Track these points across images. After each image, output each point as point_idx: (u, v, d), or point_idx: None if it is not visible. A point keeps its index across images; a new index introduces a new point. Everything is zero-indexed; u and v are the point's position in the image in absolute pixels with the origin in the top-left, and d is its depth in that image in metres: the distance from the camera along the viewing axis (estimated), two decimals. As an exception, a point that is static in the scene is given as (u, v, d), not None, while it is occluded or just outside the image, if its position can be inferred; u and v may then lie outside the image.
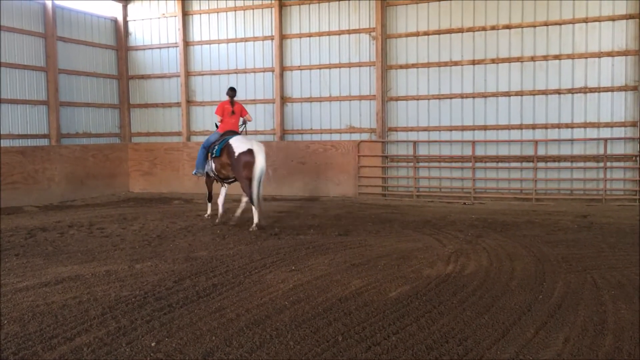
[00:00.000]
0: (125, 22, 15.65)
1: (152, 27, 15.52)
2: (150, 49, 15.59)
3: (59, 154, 13.33)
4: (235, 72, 14.76)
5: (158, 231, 8.88)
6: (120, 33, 15.59)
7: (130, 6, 15.62)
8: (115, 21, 15.57)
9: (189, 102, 15.25)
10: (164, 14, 15.32)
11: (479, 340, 4.03)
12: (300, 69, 14.13)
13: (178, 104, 15.36)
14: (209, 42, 14.97)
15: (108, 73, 15.43)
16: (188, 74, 15.20)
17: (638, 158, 11.49)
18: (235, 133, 10.03)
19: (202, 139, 15.11)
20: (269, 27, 14.33)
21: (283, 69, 14.25)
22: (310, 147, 13.85)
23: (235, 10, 14.62)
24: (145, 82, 15.76)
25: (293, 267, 6.28)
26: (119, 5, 15.45)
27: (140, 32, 15.65)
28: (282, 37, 14.17)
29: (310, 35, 13.97)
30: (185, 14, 15.09)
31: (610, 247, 7.19)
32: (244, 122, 10.76)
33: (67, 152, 13.60)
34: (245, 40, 14.60)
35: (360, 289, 5.38)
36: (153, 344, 4.01)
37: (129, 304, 4.95)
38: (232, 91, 10.38)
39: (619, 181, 11.76)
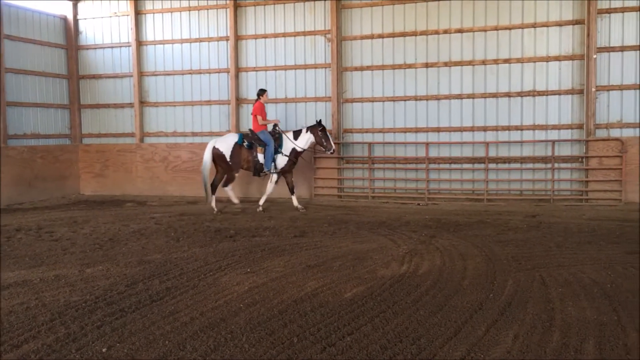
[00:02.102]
0: (76, 20, 15.26)
1: (104, 26, 15.19)
2: (101, 48, 15.26)
3: (5, 156, 12.88)
4: (190, 73, 14.60)
5: (110, 234, 8.70)
6: (70, 32, 15.19)
7: (80, 4, 15.24)
8: (65, 19, 15.17)
9: (142, 102, 14.99)
10: (115, 13, 15.02)
11: (431, 339, 4.10)
12: (256, 70, 14.08)
13: (131, 105, 15.07)
14: (163, 42, 14.75)
15: (57, 72, 15.00)
16: (141, 74, 14.94)
17: (584, 159, 11.90)
18: (250, 131, 11.65)
19: (156, 141, 14.94)
20: (223, 28, 14.23)
21: (238, 70, 14.17)
22: (266, 148, 13.78)
23: (189, 10, 14.45)
24: (97, 82, 15.41)
25: (248, 269, 6.25)
26: (69, 4, 15.05)
27: (91, 31, 15.29)
28: (237, 38, 14.09)
29: (265, 36, 13.93)
30: (138, 13, 14.82)
31: (557, 246, 7.41)
32: (274, 126, 11.74)
33: (15, 153, 13.17)
34: (200, 40, 14.46)
35: (316, 290, 5.40)
36: (104, 350, 3.93)
37: (79, 309, 4.84)
38: (258, 90, 11.93)
39: (566, 182, 12.14)
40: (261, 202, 11.62)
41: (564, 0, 11.89)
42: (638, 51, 11.55)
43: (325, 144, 11.50)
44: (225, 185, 11.55)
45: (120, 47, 15.08)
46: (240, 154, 11.45)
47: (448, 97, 12.72)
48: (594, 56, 11.61)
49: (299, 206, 11.52)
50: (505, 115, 12.39)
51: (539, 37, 12.09)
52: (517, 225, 9.15)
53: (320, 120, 11.67)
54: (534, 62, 12.14)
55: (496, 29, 12.29)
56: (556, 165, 12.00)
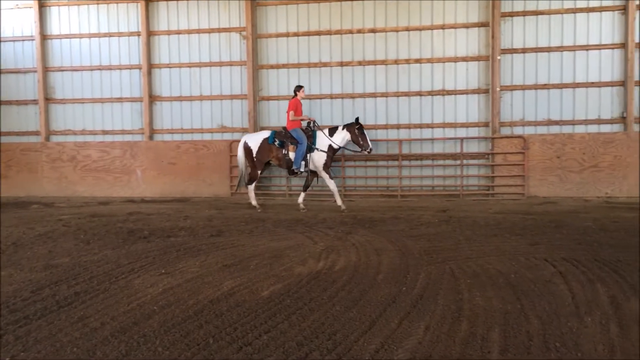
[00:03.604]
0: (-28, 11, 14.36)
1: (5, 19, 14.34)
2: (2, 41, 14.40)
3: None
4: (99, 69, 14.07)
5: (13, 238, 8.23)
6: (-34, 23, 14.27)
7: (-23, -6, 14.35)
8: (-40, 10, 14.23)
9: (48, 99, 14.29)
10: (17, 5, 14.23)
11: (347, 334, 4.15)
12: (170, 67, 13.77)
13: (35, 102, 14.34)
14: (70, 36, 14.13)
15: (-48, 67, 14.06)
16: (46, 70, 14.24)
17: (490, 156, 12.48)
18: (284, 128, 11.39)
19: (63, 139, 14.28)
20: (135, 23, 13.82)
21: (151, 66, 13.80)
22: (181, 147, 13.54)
23: (98, 4, 13.93)
24: (-3, 78, 14.56)
25: (163, 271, 6.10)
26: (-35, -7, 14.14)
27: (-11, 23, 14.42)
28: (150, 34, 13.72)
29: (179, 32, 13.65)
30: (42, 6, 14.13)
31: (466, 239, 7.70)
32: (309, 123, 11.37)
33: None
34: (110, 35, 13.97)
35: (232, 289, 5.34)
36: (7, 360, 3.73)
37: (-21, 318, 4.55)
38: (295, 87, 11.39)
39: (474, 177, 12.69)
40: (338, 202, 11.19)
41: (470, 1, 12.42)
42: (538, 53, 12.25)
43: (362, 142, 11.09)
44: (249, 183, 11.50)
45: (23, 40, 14.33)
46: (268, 152, 11.25)
47: (362, 95, 12.97)
48: (498, 57, 12.21)
49: (302, 206, 11.33)
50: (417, 113, 12.79)
51: (447, 39, 12.57)
52: (429, 220, 9.43)
53: (358, 118, 11.20)
54: (443, 62, 12.62)
55: (407, 29, 12.67)
56: (465, 161, 12.51)
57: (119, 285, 5.54)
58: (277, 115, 13.38)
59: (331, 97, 13.07)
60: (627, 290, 4.96)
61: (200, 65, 13.67)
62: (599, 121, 12.23)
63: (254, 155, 11.32)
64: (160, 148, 13.68)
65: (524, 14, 12.28)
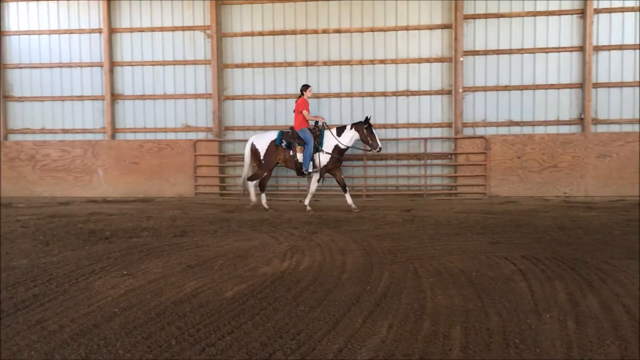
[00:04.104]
0: None
1: (-41, 13, 13.95)
2: (-44, 37, 13.99)
3: None
4: (59, 66, 13.77)
5: (-32, 240, 7.99)
6: None
7: None
8: None
9: (6, 97, 13.92)
10: (-27, -1, 13.84)
11: (311, 333, 4.15)
12: (132, 65, 13.56)
13: (-8, 99, 13.96)
14: (28, 33, 13.79)
15: None
16: (4, 67, 13.87)
17: (453, 156, 12.65)
18: (291, 128, 11.10)
19: (22, 139, 13.93)
20: (96, 20, 13.57)
21: (113, 64, 13.57)
22: (144, 146, 13.35)
23: (58, 0, 13.62)
24: (-48, 74, 14.12)
25: (125, 272, 6.00)
26: None
27: (-56, 18, 13.97)
28: (112, 31, 13.49)
29: (142, 30, 13.46)
30: (1, 1, 13.74)
31: (429, 239, 7.78)
32: (316, 122, 11.07)
33: None
34: (70, 32, 13.68)
35: (196, 290, 5.29)
36: (-40, 366, 3.62)
37: None
38: (301, 86, 11.11)
39: (438, 177, 12.85)
40: (306, 201, 11.11)
41: (433, 1, 12.58)
42: (499, 55, 12.48)
43: (370, 142, 10.74)
44: (250, 180, 11.30)
45: (-21, 36, 13.93)
46: (275, 154, 11.01)
47: (328, 95, 13.01)
48: (461, 59, 12.39)
49: (353, 206, 10.83)
50: (382, 113, 12.89)
51: (411, 40, 12.70)
52: (393, 220, 9.50)
53: (367, 117, 10.80)
54: (407, 63, 12.75)
55: (372, 30, 12.76)
56: (428, 161, 12.66)
57: (79, 287, 5.43)
58: (242, 115, 13.31)
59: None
60: (584, 287, 5.09)
61: (163, 63, 13.51)
62: (557, 122, 12.53)
63: (262, 157, 11.09)
64: (123, 147, 13.46)
65: (486, 16, 12.49)
